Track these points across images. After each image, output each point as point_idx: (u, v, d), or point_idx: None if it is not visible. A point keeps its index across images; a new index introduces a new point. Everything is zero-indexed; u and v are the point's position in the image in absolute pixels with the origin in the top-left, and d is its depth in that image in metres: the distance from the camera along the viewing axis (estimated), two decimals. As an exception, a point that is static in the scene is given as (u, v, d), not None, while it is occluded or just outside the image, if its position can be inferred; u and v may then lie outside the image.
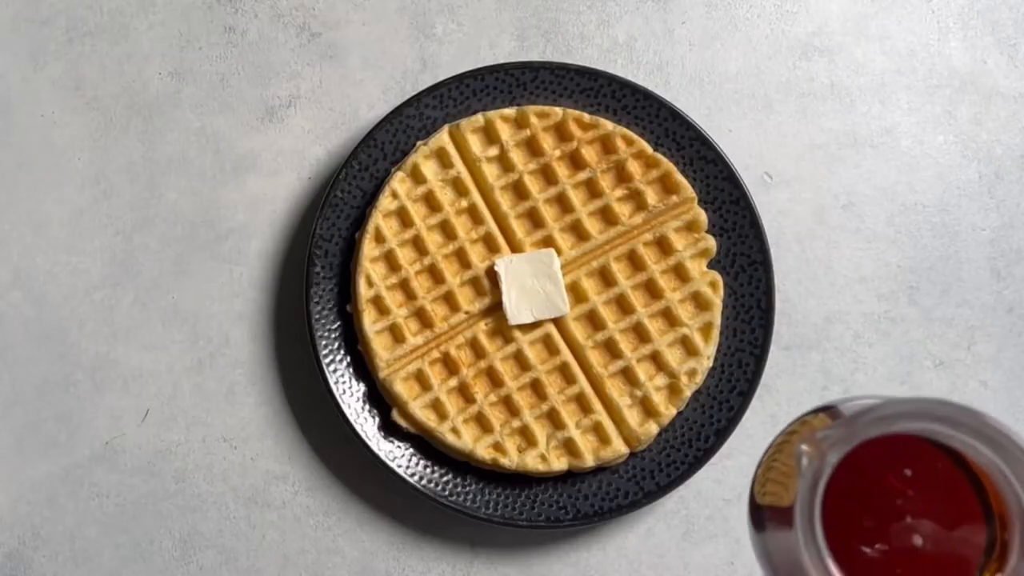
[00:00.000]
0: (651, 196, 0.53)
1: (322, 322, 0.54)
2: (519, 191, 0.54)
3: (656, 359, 0.52)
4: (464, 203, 0.54)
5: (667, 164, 0.53)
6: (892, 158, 0.57)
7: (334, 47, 0.58)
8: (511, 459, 0.52)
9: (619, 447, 0.52)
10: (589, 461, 0.52)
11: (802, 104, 0.57)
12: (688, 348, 0.52)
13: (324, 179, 0.57)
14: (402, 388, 0.52)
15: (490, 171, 0.54)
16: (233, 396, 0.56)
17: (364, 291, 0.53)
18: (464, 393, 0.53)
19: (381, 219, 0.53)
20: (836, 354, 0.55)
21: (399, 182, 0.53)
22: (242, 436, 0.55)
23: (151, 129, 0.58)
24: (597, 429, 0.52)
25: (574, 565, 0.54)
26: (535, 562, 0.54)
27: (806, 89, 0.57)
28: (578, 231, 0.53)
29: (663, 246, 0.53)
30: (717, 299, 0.53)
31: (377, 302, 0.53)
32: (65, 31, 0.59)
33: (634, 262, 0.53)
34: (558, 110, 0.54)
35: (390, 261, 0.53)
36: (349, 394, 0.53)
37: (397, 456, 0.53)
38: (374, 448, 0.52)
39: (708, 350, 0.52)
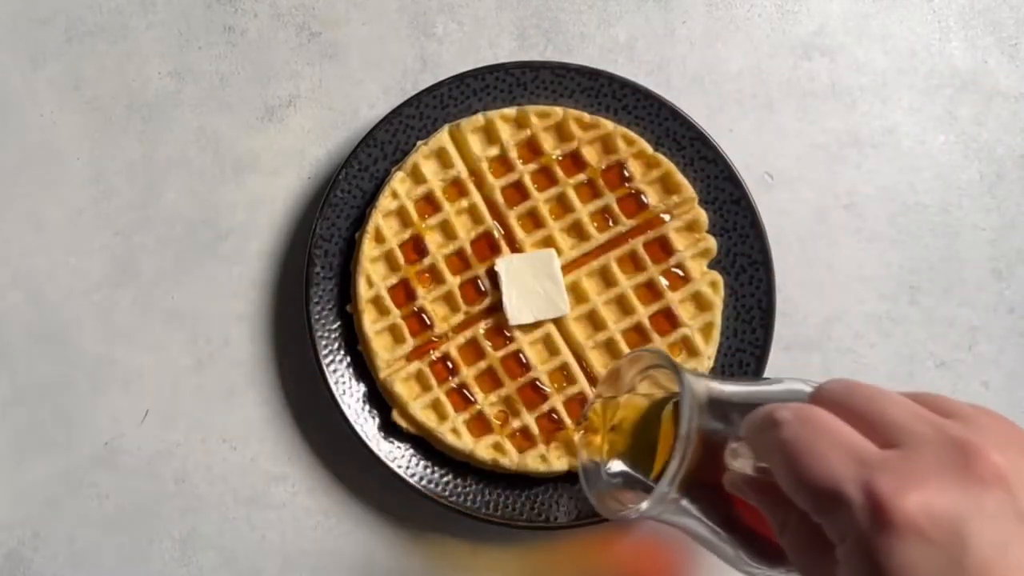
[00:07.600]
0: (652, 196, 0.53)
1: (322, 322, 0.53)
2: (519, 191, 0.54)
3: (657, 359, 0.52)
4: (464, 203, 0.54)
5: (667, 164, 0.53)
6: (893, 158, 0.57)
7: (334, 47, 0.58)
8: (511, 459, 0.52)
9: (619, 447, 0.52)
10: (589, 461, 0.52)
11: (803, 104, 0.57)
12: (689, 348, 0.52)
13: (324, 179, 0.57)
14: (402, 388, 0.52)
15: (490, 171, 0.54)
16: (233, 396, 0.56)
17: (364, 291, 0.53)
18: (464, 393, 0.52)
19: (381, 219, 0.53)
20: (837, 354, 0.55)
21: (399, 182, 0.53)
22: (242, 437, 0.55)
23: (151, 129, 0.58)
24: (597, 429, 0.52)
25: (574, 565, 0.54)
26: (535, 562, 0.54)
27: (807, 89, 0.57)
28: (579, 231, 0.53)
29: (664, 246, 0.53)
30: (718, 299, 0.52)
31: (377, 302, 0.53)
32: (64, 31, 0.59)
33: (635, 262, 0.53)
34: (558, 110, 0.54)
35: (390, 261, 0.53)
36: (349, 394, 0.53)
37: (397, 456, 0.53)
38: (374, 448, 0.52)
39: (709, 350, 0.52)
